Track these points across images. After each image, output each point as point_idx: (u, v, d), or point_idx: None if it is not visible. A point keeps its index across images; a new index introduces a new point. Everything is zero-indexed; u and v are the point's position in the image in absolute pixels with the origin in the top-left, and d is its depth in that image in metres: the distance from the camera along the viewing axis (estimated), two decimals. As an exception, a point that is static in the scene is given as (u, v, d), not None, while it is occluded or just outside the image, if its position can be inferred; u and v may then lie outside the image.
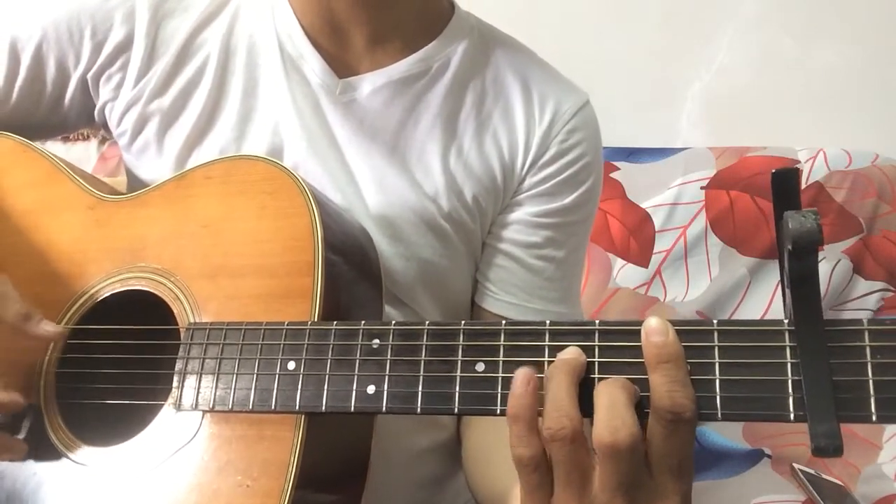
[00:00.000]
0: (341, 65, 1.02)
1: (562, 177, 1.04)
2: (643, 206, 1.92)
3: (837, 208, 1.88)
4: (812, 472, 1.67)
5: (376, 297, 0.90)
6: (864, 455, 1.75)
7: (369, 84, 1.02)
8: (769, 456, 1.74)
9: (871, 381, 0.56)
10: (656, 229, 1.90)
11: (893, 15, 2.04)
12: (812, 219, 0.54)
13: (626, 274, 1.93)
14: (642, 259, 1.90)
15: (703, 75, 2.11)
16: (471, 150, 1.03)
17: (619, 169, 1.98)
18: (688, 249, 1.89)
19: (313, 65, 1.02)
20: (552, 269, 1.05)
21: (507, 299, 1.05)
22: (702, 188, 1.91)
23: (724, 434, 1.77)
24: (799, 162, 1.90)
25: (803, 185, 1.89)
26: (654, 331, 0.61)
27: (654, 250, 1.90)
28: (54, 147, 1.49)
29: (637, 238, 1.91)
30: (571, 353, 0.64)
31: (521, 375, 0.63)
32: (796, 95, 2.08)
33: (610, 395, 0.60)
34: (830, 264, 1.85)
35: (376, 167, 1.01)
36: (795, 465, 1.68)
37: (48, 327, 0.85)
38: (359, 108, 1.02)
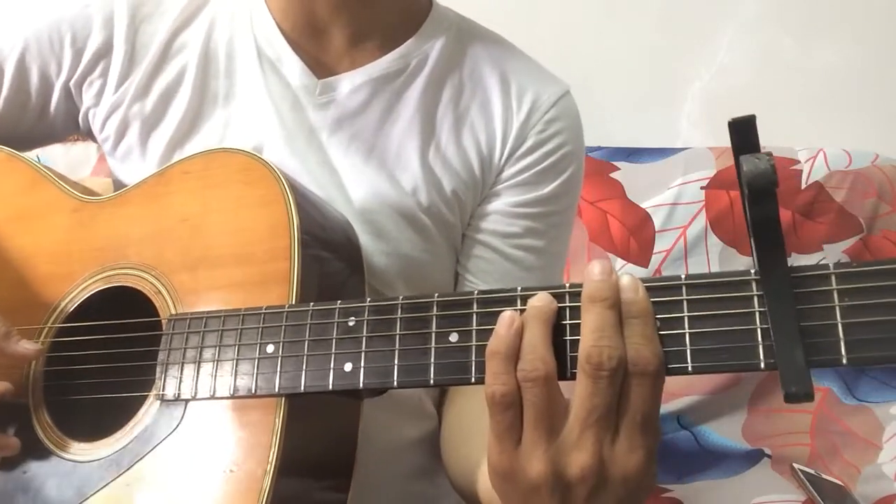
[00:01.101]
0: (320, 66, 1.03)
1: (540, 167, 1.03)
2: (643, 206, 1.91)
3: (837, 208, 1.87)
4: (812, 472, 1.67)
5: (358, 282, 0.90)
6: (864, 455, 1.75)
7: (348, 83, 1.02)
8: (769, 456, 1.73)
9: (839, 325, 0.55)
10: (656, 229, 1.89)
11: (893, 15, 2.04)
12: (766, 160, 0.53)
13: (625, 274, 1.90)
14: (642, 259, 1.89)
15: (703, 75, 2.10)
16: (448, 144, 1.03)
17: (619, 169, 1.96)
18: (688, 249, 1.88)
19: (292, 67, 1.02)
20: (532, 259, 1.04)
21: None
22: (702, 188, 1.90)
23: (724, 434, 1.76)
24: (799, 162, 1.90)
25: (803, 186, 1.88)
26: (625, 288, 0.61)
27: (654, 250, 1.89)
28: (55, 147, 1.50)
29: (637, 238, 1.89)
30: (543, 299, 0.63)
31: (506, 318, 0.63)
32: (796, 95, 2.08)
33: (599, 316, 0.60)
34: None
35: (356, 165, 1.01)
36: (795, 465, 1.68)
37: (27, 345, 0.86)
38: (338, 107, 1.02)
